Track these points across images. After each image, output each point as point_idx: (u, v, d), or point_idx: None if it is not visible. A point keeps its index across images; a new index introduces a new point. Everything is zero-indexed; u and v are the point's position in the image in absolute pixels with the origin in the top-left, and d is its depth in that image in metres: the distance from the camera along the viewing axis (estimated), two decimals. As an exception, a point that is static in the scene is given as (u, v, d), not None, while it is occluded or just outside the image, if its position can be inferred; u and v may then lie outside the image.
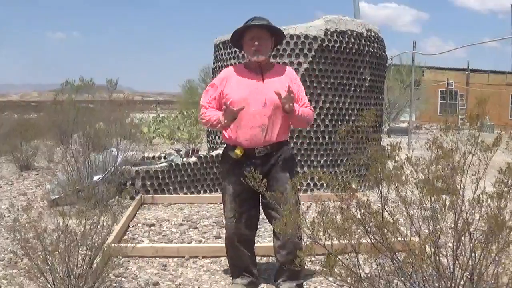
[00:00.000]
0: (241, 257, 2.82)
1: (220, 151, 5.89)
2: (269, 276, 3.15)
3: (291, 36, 5.70)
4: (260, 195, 2.63)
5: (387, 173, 1.91)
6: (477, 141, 1.83)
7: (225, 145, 2.83)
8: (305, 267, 2.67)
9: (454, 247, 1.83)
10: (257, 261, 3.37)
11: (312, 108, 2.83)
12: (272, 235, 3.83)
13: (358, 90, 5.99)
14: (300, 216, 2.15)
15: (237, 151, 2.61)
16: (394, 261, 1.91)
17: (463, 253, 1.84)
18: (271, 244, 3.55)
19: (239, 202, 2.70)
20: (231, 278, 2.93)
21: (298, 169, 5.64)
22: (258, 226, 2.96)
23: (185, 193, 5.62)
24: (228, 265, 3.04)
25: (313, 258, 2.62)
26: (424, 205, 1.86)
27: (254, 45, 2.61)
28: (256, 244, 3.03)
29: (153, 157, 6.80)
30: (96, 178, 5.06)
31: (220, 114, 2.61)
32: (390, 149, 1.93)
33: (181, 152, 7.14)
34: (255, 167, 2.58)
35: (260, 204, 2.76)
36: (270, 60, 2.88)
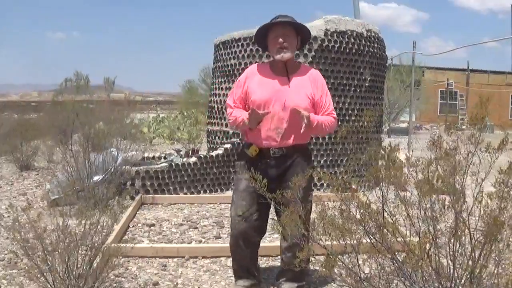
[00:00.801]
0: (244, 258, 2.73)
1: (220, 151, 5.90)
2: (269, 276, 3.15)
3: (291, 36, 5.70)
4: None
5: (387, 173, 1.91)
6: (478, 141, 1.83)
7: (243, 143, 2.80)
8: (307, 268, 2.62)
9: (454, 247, 1.83)
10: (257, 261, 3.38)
11: (335, 116, 2.69)
12: (272, 235, 3.83)
13: (358, 90, 5.99)
14: (307, 223, 2.12)
15: (252, 150, 2.59)
16: (394, 261, 1.91)
17: (463, 253, 1.84)
18: (271, 244, 3.56)
19: (249, 200, 2.60)
20: (234, 278, 2.87)
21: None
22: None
23: (185, 193, 5.62)
24: (228, 264, 3.01)
25: (313, 259, 2.62)
26: (424, 205, 1.86)
27: (278, 42, 2.51)
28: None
29: (153, 157, 6.80)
30: (96, 178, 5.06)
31: (245, 116, 2.54)
32: (389, 150, 1.92)
33: (181, 152, 7.14)
34: (270, 167, 2.55)
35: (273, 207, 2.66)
36: (295, 60, 2.77)
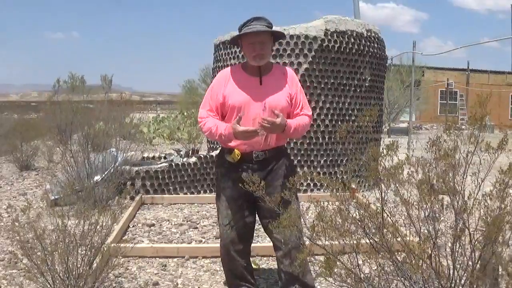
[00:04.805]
0: (237, 267, 2.65)
1: (219, 151, 5.89)
2: (268, 276, 3.15)
3: (291, 36, 5.70)
4: (257, 204, 2.51)
5: (386, 173, 1.90)
6: (477, 140, 1.82)
7: (220, 148, 2.69)
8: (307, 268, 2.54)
9: (454, 247, 1.83)
10: (257, 261, 3.37)
11: (309, 114, 2.61)
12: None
13: (358, 90, 5.99)
14: (302, 223, 2.10)
15: (234, 155, 2.49)
16: (394, 262, 1.91)
17: (463, 253, 1.84)
18: (271, 244, 3.55)
19: (235, 208, 2.55)
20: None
21: (298, 169, 5.64)
22: (257, 226, 2.79)
23: (185, 193, 5.62)
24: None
25: (312, 259, 2.61)
26: (423, 206, 1.86)
27: (255, 50, 2.45)
28: (256, 244, 2.96)
29: (153, 157, 6.81)
30: (96, 178, 5.06)
31: (223, 131, 2.42)
32: (386, 149, 1.91)
33: (181, 152, 7.15)
34: (252, 172, 2.46)
35: (257, 214, 2.63)
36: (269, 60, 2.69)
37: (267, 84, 2.54)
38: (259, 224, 2.70)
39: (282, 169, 2.56)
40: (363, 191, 5.63)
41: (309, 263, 2.49)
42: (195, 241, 4.00)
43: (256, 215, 2.64)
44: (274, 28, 2.55)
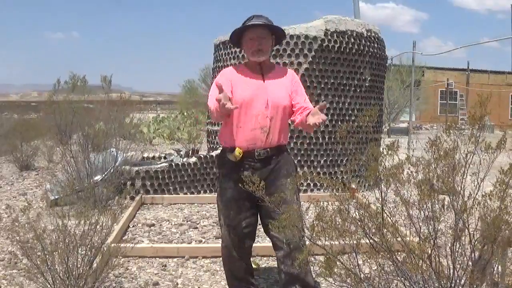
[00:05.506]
0: (238, 268, 2.66)
1: (220, 151, 5.89)
2: (268, 276, 3.15)
3: (291, 36, 5.70)
4: (258, 204, 2.46)
5: (386, 173, 1.90)
6: (478, 140, 1.82)
7: (221, 148, 2.69)
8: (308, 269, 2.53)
9: (454, 247, 1.83)
10: (257, 261, 3.38)
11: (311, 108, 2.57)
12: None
13: (358, 90, 5.99)
14: (302, 223, 2.10)
15: (236, 153, 2.48)
16: (394, 262, 1.91)
17: (463, 253, 1.84)
18: (271, 244, 3.55)
19: (236, 209, 2.53)
20: None
21: (298, 169, 5.64)
22: (258, 225, 2.74)
23: (185, 193, 5.62)
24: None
25: (312, 259, 2.61)
26: (423, 206, 1.86)
27: (255, 45, 2.50)
28: (256, 244, 2.94)
29: (153, 157, 6.81)
30: (96, 178, 5.06)
31: (213, 105, 2.35)
32: (387, 149, 1.91)
33: (181, 152, 7.15)
34: (254, 171, 2.47)
35: (259, 214, 2.61)
36: (270, 60, 2.74)
37: (270, 82, 2.57)
38: (259, 224, 2.70)
39: (285, 168, 2.56)
40: (363, 191, 5.63)
41: (309, 263, 2.48)
42: (195, 241, 4.00)
43: (258, 215, 2.63)
44: None
